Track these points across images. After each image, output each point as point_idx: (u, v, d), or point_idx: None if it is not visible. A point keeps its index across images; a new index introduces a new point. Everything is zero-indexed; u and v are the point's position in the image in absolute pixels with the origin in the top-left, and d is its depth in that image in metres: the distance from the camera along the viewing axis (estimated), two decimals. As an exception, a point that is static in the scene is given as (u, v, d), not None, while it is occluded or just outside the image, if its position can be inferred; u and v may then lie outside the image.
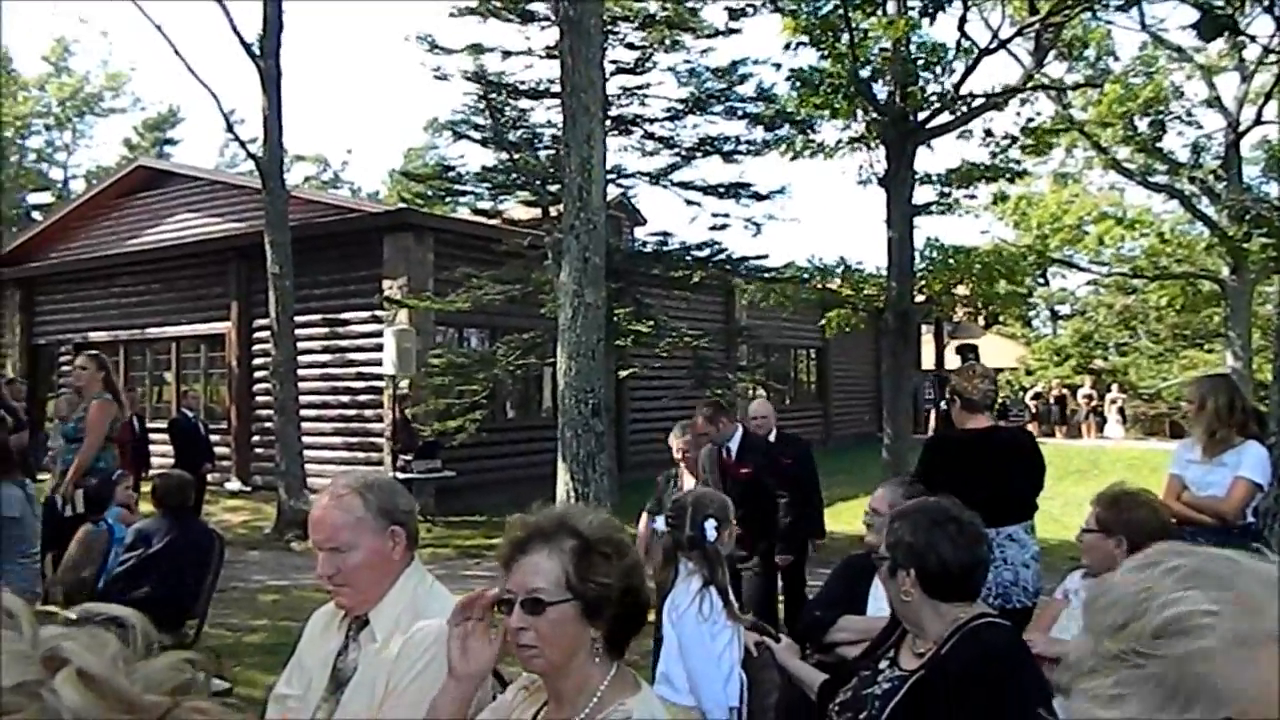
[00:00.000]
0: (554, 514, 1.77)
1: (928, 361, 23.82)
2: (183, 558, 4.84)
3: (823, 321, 13.30)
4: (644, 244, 12.82)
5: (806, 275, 12.35)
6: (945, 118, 11.35)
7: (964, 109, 11.38)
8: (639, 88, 11.99)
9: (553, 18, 10.45)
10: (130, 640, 0.53)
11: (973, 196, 13.50)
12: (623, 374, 12.12)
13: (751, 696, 3.04)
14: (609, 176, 9.87)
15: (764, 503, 5.49)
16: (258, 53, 11.08)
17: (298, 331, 11.31)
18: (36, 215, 32.03)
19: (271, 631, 6.60)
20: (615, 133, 11.52)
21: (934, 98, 11.28)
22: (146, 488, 6.53)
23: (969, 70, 11.16)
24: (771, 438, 6.05)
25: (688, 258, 11.95)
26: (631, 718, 1.66)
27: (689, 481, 5.68)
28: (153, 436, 12.08)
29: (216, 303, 14.45)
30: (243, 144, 12.62)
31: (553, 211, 10.93)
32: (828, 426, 21.29)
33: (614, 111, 11.37)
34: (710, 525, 3.14)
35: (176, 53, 11.83)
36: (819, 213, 56.28)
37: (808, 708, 2.69)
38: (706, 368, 12.37)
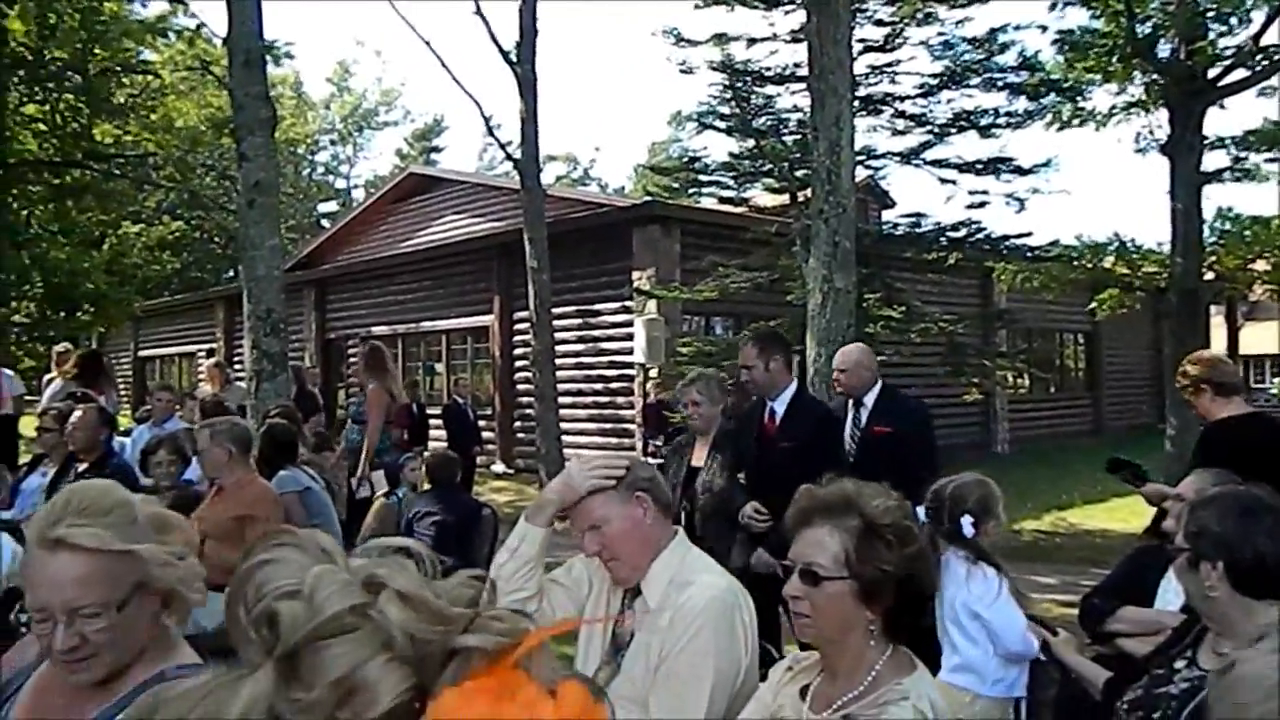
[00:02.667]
0: (843, 491, 1.78)
1: (1217, 345, 21.44)
2: (449, 529, 5.25)
3: (1094, 304, 12.29)
4: (894, 226, 12.38)
5: (1075, 253, 11.44)
6: (1241, 74, 10.14)
7: (1264, 62, 10.10)
8: (889, 65, 11.59)
9: (798, 1, 10.30)
10: (421, 566, 0.58)
11: (1276, 160, 11.96)
12: (872, 362, 11.77)
13: (1031, 689, 2.92)
14: (858, 158, 9.60)
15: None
16: (515, 60, 11.71)
17: (554, 322, 11.86)
18: (325, 223, 35.66)
19: (539, 606, 6.93)
20: (864, 113, 11.20)
21: (1227, 52, 10.10)
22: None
23: (1271, 18, 9.89)
24: (870, 398, 4.73)
25: (942, 239, 11.42)
26: (908, 697, 1.64)
27: (701, 452, 4.63)
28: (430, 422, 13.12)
29: (481, 297, 15.45)
30: (503, 147, 13.37)
31: (800, 197, 10.79)
32: (1099, 417, 19.72)
33: (862, 91, 11.05)
34: (967, 522, 3.00)
35: (444, 65, 12.78)
36: (1090, 186, 52.11)
37: (1090, 705, 2.52)
38: (962, 354, 11.79)
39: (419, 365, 16.97)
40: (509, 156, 12.47)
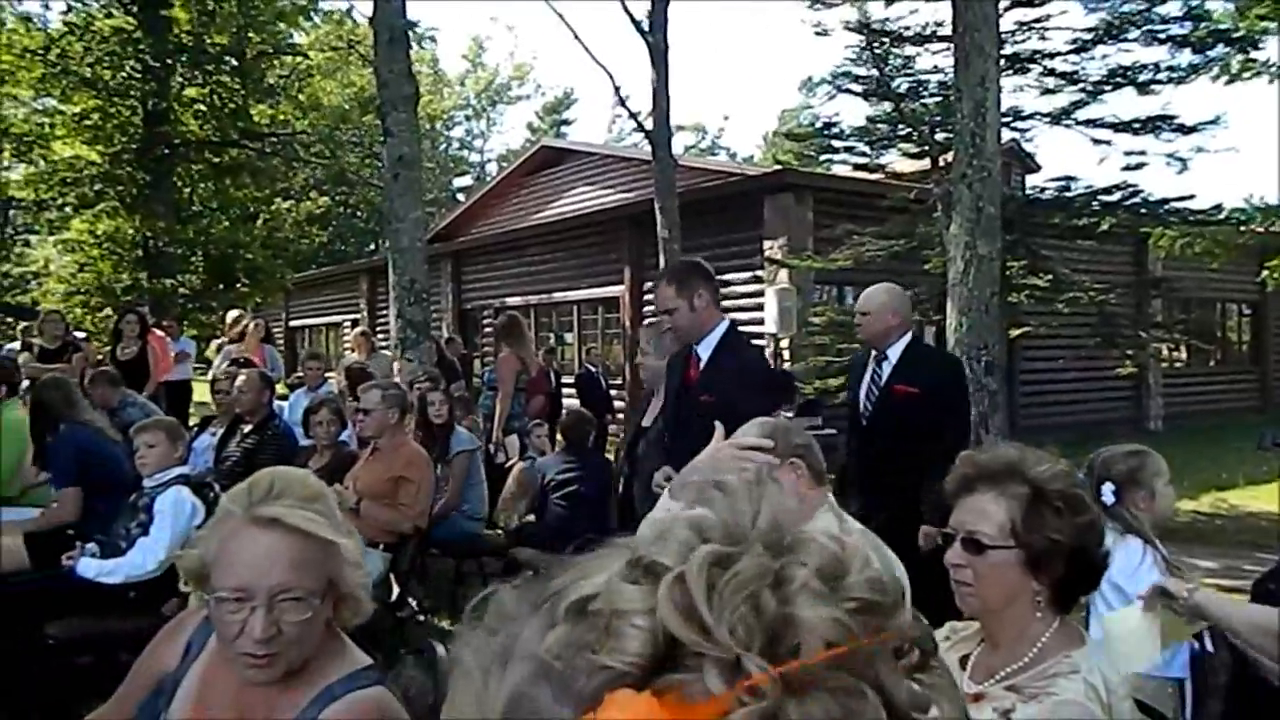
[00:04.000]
0: (1005, 457, 1.72)
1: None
2: (580, 485, 5.39)
3: (1264, 272, 11.43)
4: (1041, 190, 11.80)
5: (1243, 217, 10.65)
6: None
7: None
8: (1037, 21, 10.98)
9: (940, -45, 9.87)
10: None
11: None
12: (1014, 333, 11.32)
13: (1198, 674, 2.77)
14: (1003, 119, 9.18)
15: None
16: (646, 29, 11.67)
17: (684, 293, 11.85)
18: (460, 197, 36.64)
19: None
20: (1010, 72, 10.68)
21: None
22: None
23: None
24: (895, 352, 4.01)
25: (1094, 203, 10.82)
26: (1079, 671, 1.58)
27: (654, 410, 4.09)
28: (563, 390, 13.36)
29: (611, 268, 15.58)
30: (633, 116, 13.37)
31: (941, 161, 10.42)
32: (1265, 393, 18.42)
33: (1008, 49, 10.53)
34: (1108, 489, 2.85)
35: (575, 37, 12.85)
36: (1261, 144, 48.21)
37: (1266, 691, 2.36)
38: (1114, 325, 11.20)
39: (550, 335, 17.30)
40: (640, 126, 12.47)
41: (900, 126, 11.55)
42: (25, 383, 6.02)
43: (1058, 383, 14.43)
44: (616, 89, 13.17)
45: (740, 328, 13.19)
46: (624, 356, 15.40)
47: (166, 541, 3.72)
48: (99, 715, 1.67)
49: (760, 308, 12.43)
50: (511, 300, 17.41)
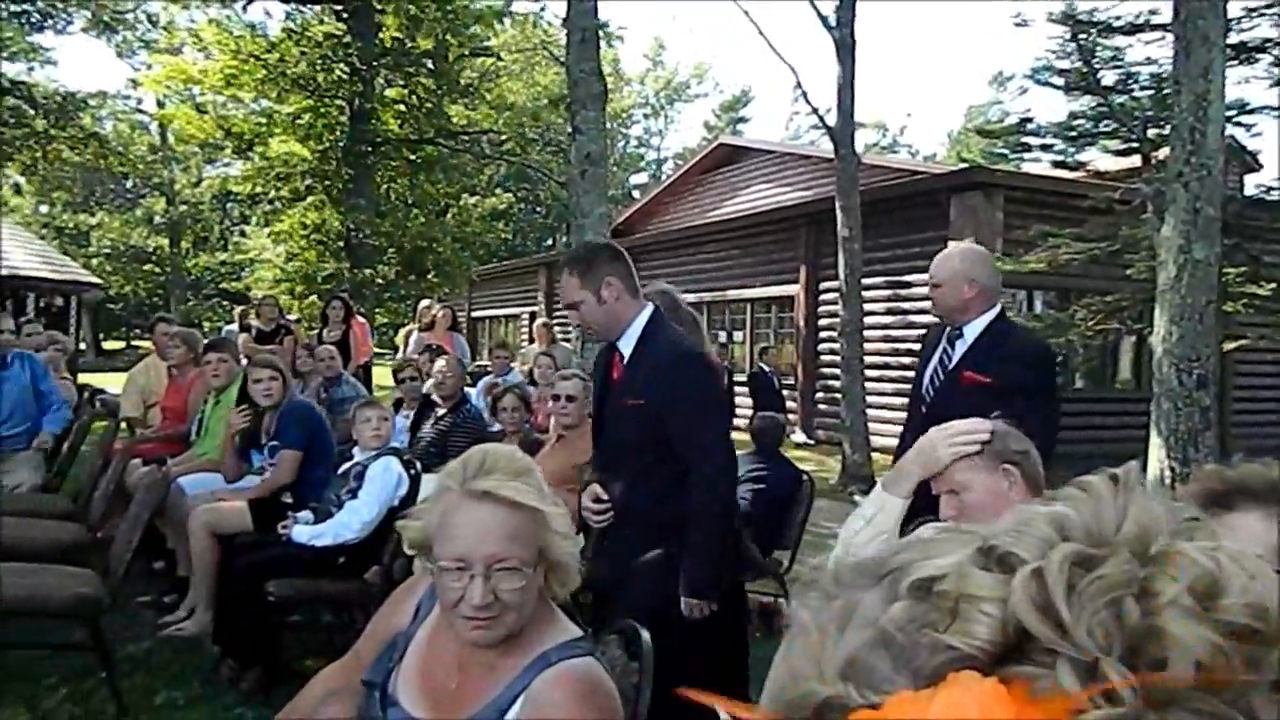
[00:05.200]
0: (1269, 474, 1.55)
1: None
2: (770, 492, 5.31)
3: None
4: (1267, 191, 10.83)
5: None
6: None
7: None
8: (1270, 5, 10.08)
9: (1159, -62, 9.21)
10: None
11: None
12: (1229, 345, 10.44)
13: None
14: (1226, 114, 8.47)
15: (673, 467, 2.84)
16: (833, 24, 11.46)
17: (862, 293, 11.59)
18: (636, 193, 37.23)
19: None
20: (1236, 62, 9.85)
21: None
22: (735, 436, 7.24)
23: None
24: (973, 330, 3.35)
25: (1328, 205, 9.86)
26: None
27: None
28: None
29: (787, 266, 15.43)
30: (816, 111, 13.16)
31: (1153, 159, 9.74)
32: None
33: (1234, 38, 9.71)
34: None
35: (760, 33, 12.78)
36: None
37: None
38: (1347, 341, 10.16)
39: (719, 333, 17.31)
40: (822, 123, 12.27)
41: (1105, 122, 10.86)
42: (244, 360, 6.55)
43: (1278, 400, 13.27)
44: (798, 83, 13.04)
45: (919, 330, 12.71)
46: (797, 356, 15.24)
47: (375, 506, 3.99)
48: (337, 667, 1.79)
49: (943, 311, 12.02)
50: (686, 296, 17.43)
